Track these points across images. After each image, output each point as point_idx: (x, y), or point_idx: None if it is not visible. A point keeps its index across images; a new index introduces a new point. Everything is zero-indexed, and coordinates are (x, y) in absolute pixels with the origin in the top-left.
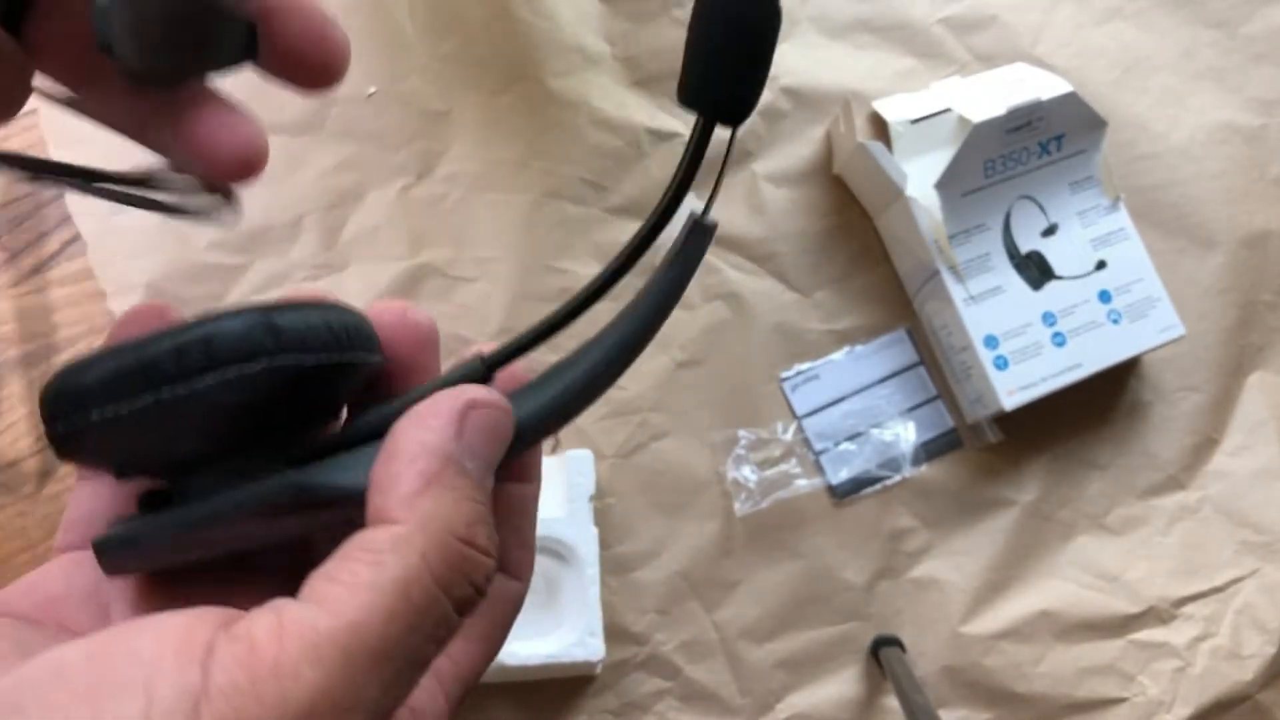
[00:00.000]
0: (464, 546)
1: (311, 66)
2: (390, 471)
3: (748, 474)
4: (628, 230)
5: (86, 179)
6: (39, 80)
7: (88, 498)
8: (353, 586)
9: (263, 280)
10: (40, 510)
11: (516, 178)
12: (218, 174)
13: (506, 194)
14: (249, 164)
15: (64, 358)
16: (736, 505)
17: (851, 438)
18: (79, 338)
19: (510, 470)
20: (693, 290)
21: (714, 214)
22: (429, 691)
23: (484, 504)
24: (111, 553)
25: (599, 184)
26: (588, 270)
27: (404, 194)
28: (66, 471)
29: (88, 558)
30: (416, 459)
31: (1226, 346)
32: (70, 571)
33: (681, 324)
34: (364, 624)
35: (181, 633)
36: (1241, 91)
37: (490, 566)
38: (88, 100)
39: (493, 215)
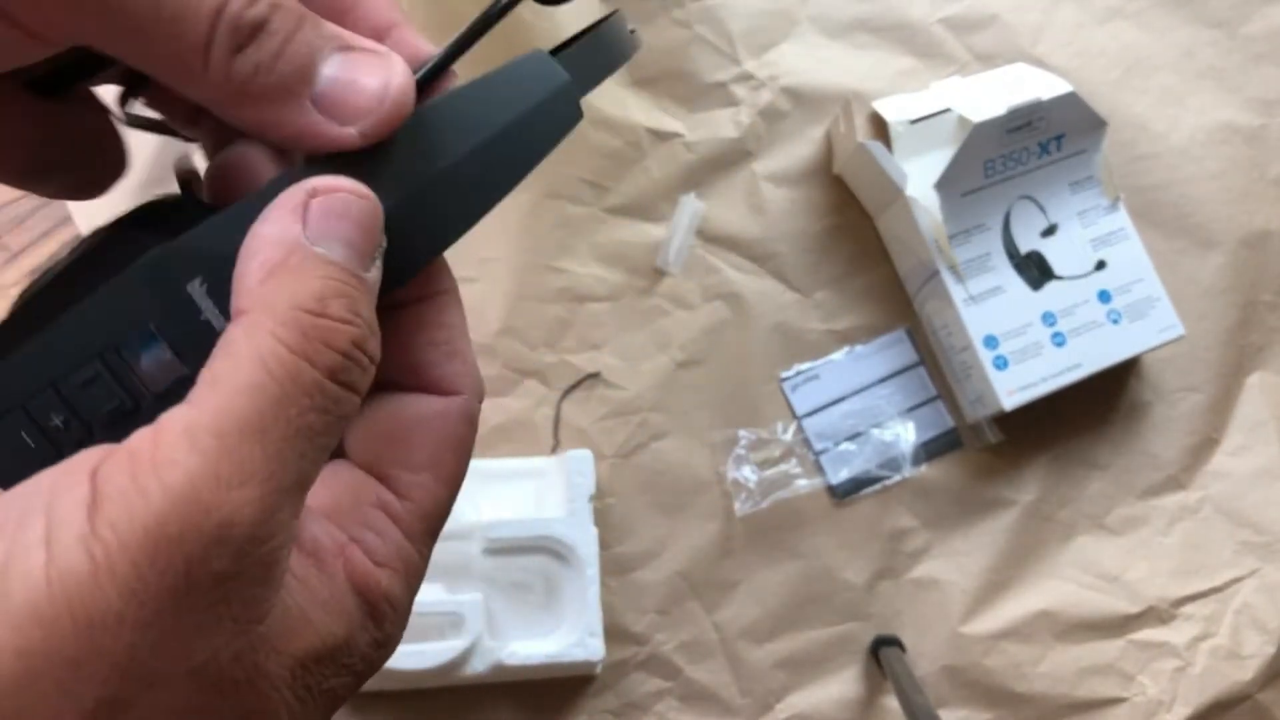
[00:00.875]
0: (314, 316)
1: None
2: (239, 271)
3: (748, 474)
4: (628, 230)
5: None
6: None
7: None
8: (213, 380)
9: None
10: None
11: None
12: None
13: (507, 195)
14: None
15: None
16: (736, 505)
17: (851, 438)
18: None
19: (420, 287)
20: (693, 290)
21: (714, 214)
22: (379, 522)
23: (340, 281)
24: None
25: (599, 184)
26: (587, 270)
27: None
28: None
29: None
30: (258, 253)
31: (1226, 346)
32: None
33: (681, 324)
34: (229, 406)
35: (69, 465)
36: (1241, 91)
37: (353, 334)
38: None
39: (493, 215)
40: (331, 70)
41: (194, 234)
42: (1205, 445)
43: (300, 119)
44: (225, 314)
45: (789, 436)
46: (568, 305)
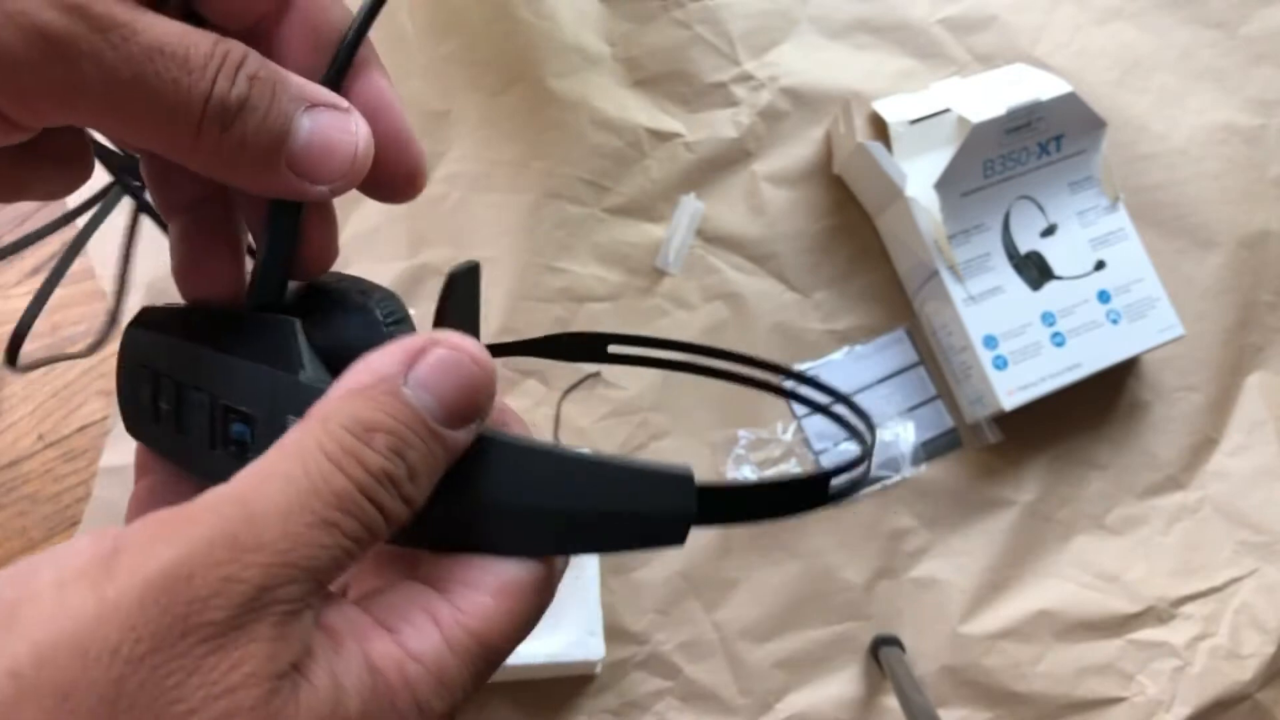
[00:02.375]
0: (356, 439)
1: (394, 177)
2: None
3: (747, 474)
4: (628, 230)
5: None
6: None
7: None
8: (255, 467)
9: None
10: (40, 510)
11: (517, 178)
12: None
13: (507, 194)
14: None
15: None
16: None
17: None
18: (80, 337)
19: None
20: (693, 290)
21: (714, 214)
22: (419, 619)
23: (402, 423)
24: None
25: (599, 184)
26: (587, 270)
27: None
28: (66, 472)
29: None
30: (353, 375)
31: (1226, 346)
32: None
33: (681, 324)
34: (261, 487)
35: (93, 533)
36: (1241, 92)
37: (386, 468)
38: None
39: (493, 215)
40: (303, 137)
41: (316, 384)
42: (1204, 445)
43: (278, 182)
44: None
45: (788, 436)
46: (568, 305)
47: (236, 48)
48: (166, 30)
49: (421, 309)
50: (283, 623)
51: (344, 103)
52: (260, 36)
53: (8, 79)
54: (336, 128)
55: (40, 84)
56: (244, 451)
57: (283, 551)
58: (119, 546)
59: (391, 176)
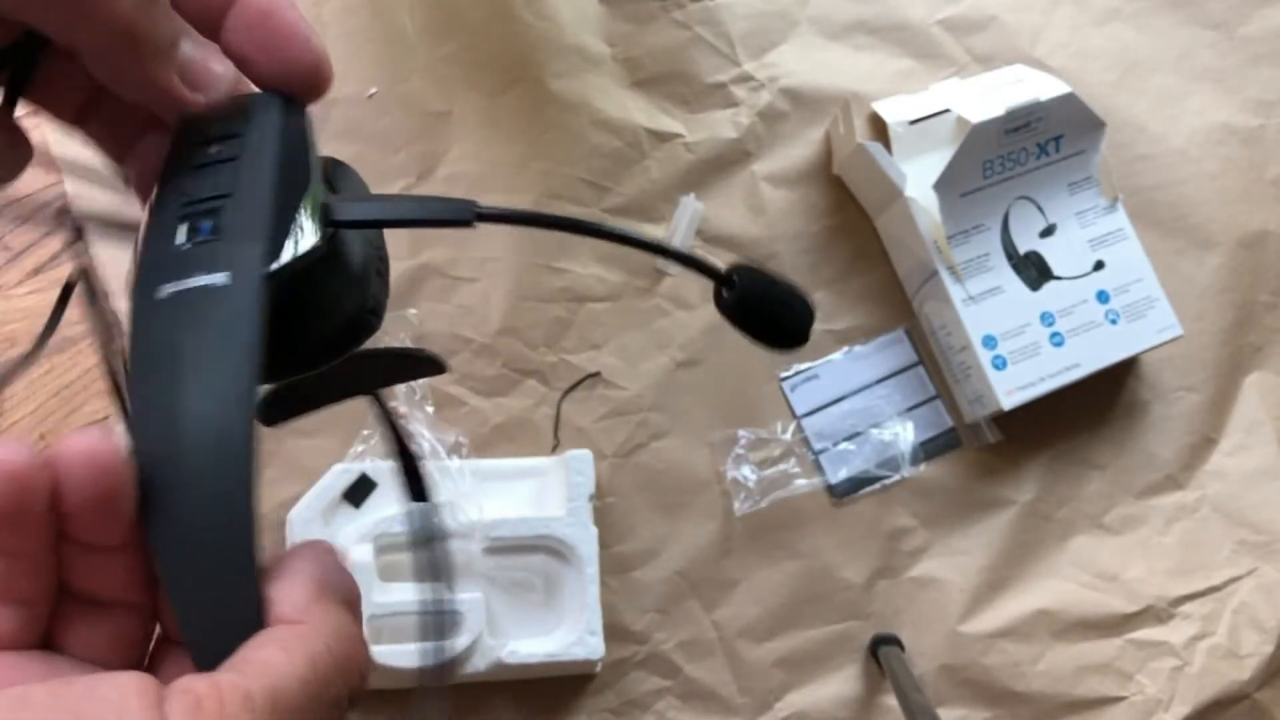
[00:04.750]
0: (351, 644)
1: (296, 71)
2: (282, 587)
3: (747, 473)
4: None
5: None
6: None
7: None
8: (270, 662)
9: None
10: None
11: (517, 178)
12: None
13: (507, 194)
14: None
15: (66, 357)
16: (736, 505)
17: (850, 437)
18: (81, 337)
19: None
20: (693, 290)
21: (714, 214)
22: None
23: (355, 622)
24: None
25: (599, 184)
26: (588, 270)
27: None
28: None
29: None
30: (309, 577)
31: (1224, 346)
32: None
33: (681, 324)
34: (283, 687)
35: (136, 683)
36: (1240, 92)
37: (366, 670)
38: (90, 134)
39: None
40: (188, 49)
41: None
42: (1203, 445)
43: (168, 81)
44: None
45: (788, 436)
46: (568, 305)
47: None
48: None
49: (422, 309)
50: None
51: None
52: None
53: None
54: (215, 52)
55: None
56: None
57: None
58: (166, 716)
59: (293, 71)
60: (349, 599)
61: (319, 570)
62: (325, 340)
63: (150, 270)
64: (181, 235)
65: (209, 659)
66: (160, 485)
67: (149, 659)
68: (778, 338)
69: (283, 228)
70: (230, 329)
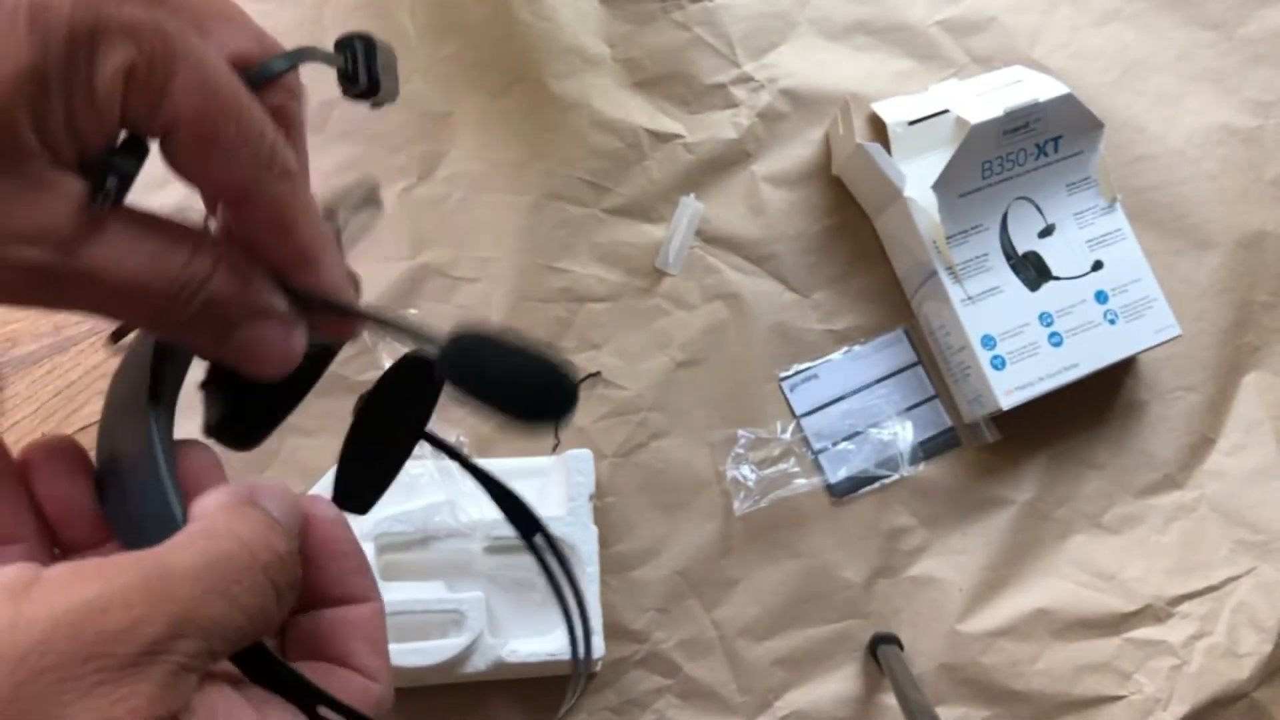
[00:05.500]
0: (265, 535)
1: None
2: (197, 503)
3: (747, 473)
4: (628, 230)
5: None
6: None
7: None
8: (177, 535)
9: None
10: None
11: (517, 179)
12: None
13: (507, 195)
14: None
15: (67, 358)
16: (735, 504)
17: (850, 437)
18: (82, 338)
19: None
20: (692, 290)
21: (714, 215)
22: (281, 711)
23: (292, 537)
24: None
25: (599, 185)
26: (588, 270)
27: (405, 195)
28: None
29: None
30: (214, 492)
31: (1223, 346)
32: None
33: (681, 324)
34: (177, 551)
35: (18, 564)
36: (1238, 93)
37: (292, 564)
38: None
39: (494, 216)
40: (241, 341)
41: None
42: (1202, 445)
43: (222, 356)
44: None
45: (788, 436)
46: (568, 305)
47: (199, 270)
48: (130, 269)
49: (422, 309)
50: (174, 674)
51: (289, 316)
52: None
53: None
54: (277, 336)
55: (34, 299)
56: None
57: (189, 607)
58: (43, 576)
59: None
60: (276, 512)
61: (230, 487)
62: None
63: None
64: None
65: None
66: (107, 481)
67: None
68: (509, 403)
69: None
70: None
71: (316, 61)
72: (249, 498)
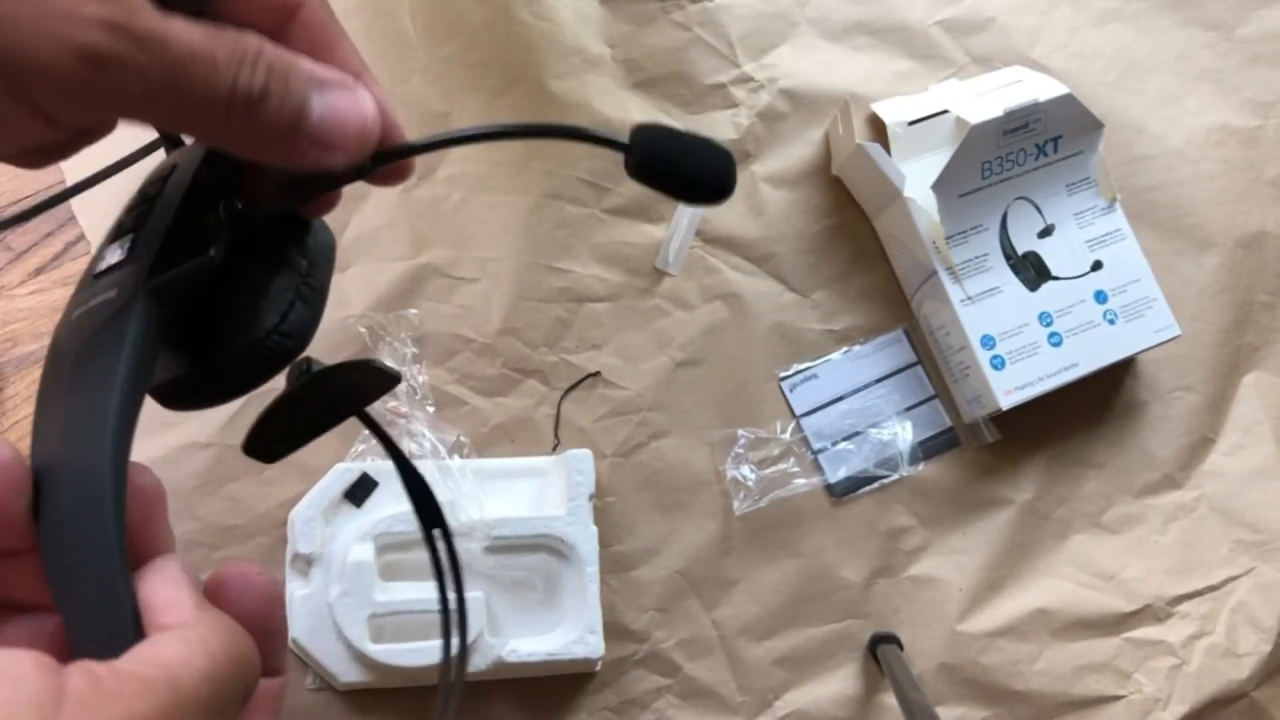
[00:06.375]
0: (244, 643)
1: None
2: (166, 593)
3: (746, 473)
4: (628, 231)
5: None
6: None
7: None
8: (168, 655)
9: None
10: None
11: (517, 179)
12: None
13: (507, 195)
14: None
15: None
16: (735, 504)
17: (849, 437)
18: None
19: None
20: (692, 290)
21: (714, 215)
22: None
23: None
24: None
25: (599, 185)
26: (588, 270)
27: (405, 195)
28: None
29: None
30: (183, 583)
31: (1222, 346)
32: None
33: (681, 324)
34: (183, 677)
35: (34, 655)
36: (1238, 93)
37: (259, 669)
38: None
39: (494, 216)
40: (317, 113)
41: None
42: (1201, 445)
43: (301, 155)
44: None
45: (787, 436)
46: (568, 305)
47: (253, 42)
48: (194, 37)
49: (423, 309)
50: None
51: (350, 80)
52: (273, 33)
53: (57, 90)
54: (346, 101)
55: (86, 93)
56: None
57: None
58: (65, 692)
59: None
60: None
61: (191, 578)
62: (235, 359)
63: (74, 299)
64: (101, 264)
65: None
66: (44, 491)
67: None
68: (696, 191)
69: (180, 249)
70: (108, 338)
71: None
72: (220, 598)
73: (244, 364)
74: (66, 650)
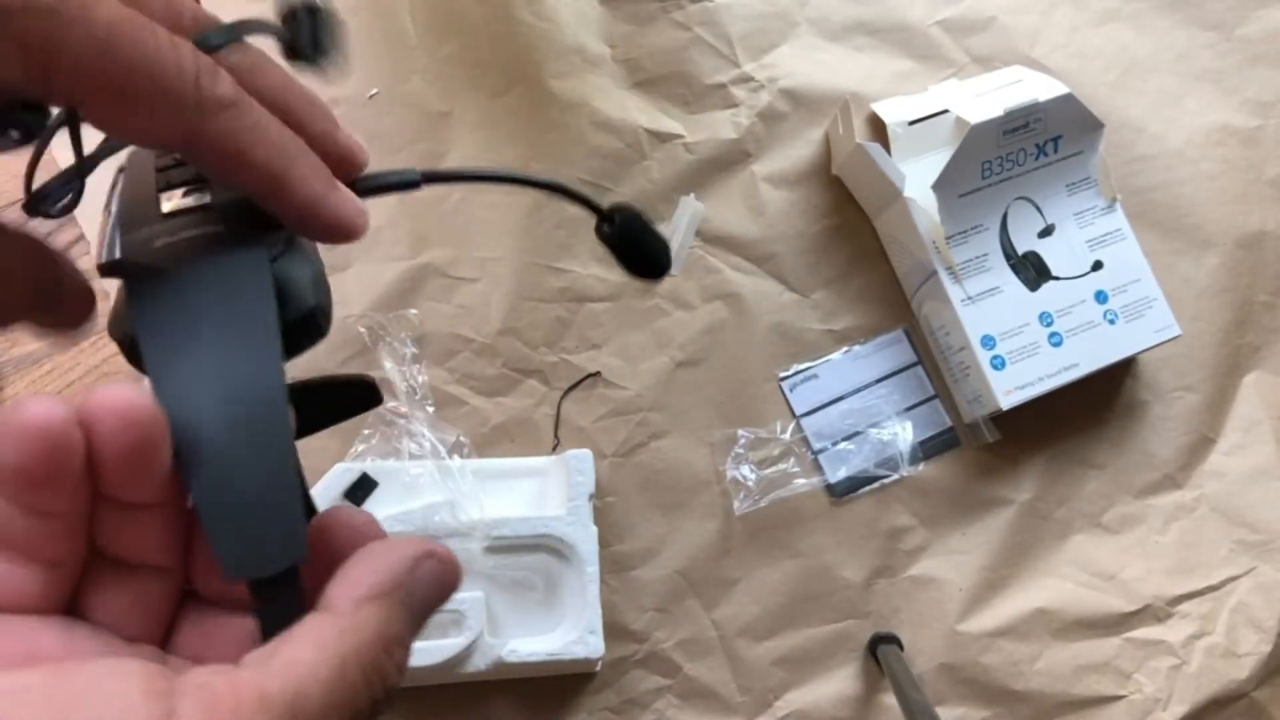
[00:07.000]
0: (381, 655)
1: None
2: (351, 574)
3: (746, 473)
4: None
5: None
6: None
7: None
8: (298, 660)
9: None
10: None
11: None
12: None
13: (507, 195)
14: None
15: (67, 358)
16: (735, 504)
17: (849, 437)
18: (82, 338)
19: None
20: (692, 290)
21: (714, 215)
22: None
23: (408, 634)
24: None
25: (599, 184)
26: (588, 270)
27: (405, 195)
28: None
29: None
30: (376, 572)
31: (1222, 346)
32: None
33: (681, 324)
34: (304, 691)
35: (142, 675)
36: (1238, 93)
37: (396, 683)
38: None
39: (493, 216)
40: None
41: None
42: (1201, 445)
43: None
44: None
45: (787, 436)
46: (568, 305)
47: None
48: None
49: (423, 309)
50: None
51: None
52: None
53: None
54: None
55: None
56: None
57: None
58: (177, 713)
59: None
60: (420, 598)
61: (387, 569)
62: (286, 330)
63: (137, 238)
64: (169, 205)
65: (258, 588)
66: (205, 441)
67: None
68: (644, 267)
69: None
70: (253, 303)
71: (260, 34)
72: (391, 587)
73: (291, 340)
74: (168, 618)
